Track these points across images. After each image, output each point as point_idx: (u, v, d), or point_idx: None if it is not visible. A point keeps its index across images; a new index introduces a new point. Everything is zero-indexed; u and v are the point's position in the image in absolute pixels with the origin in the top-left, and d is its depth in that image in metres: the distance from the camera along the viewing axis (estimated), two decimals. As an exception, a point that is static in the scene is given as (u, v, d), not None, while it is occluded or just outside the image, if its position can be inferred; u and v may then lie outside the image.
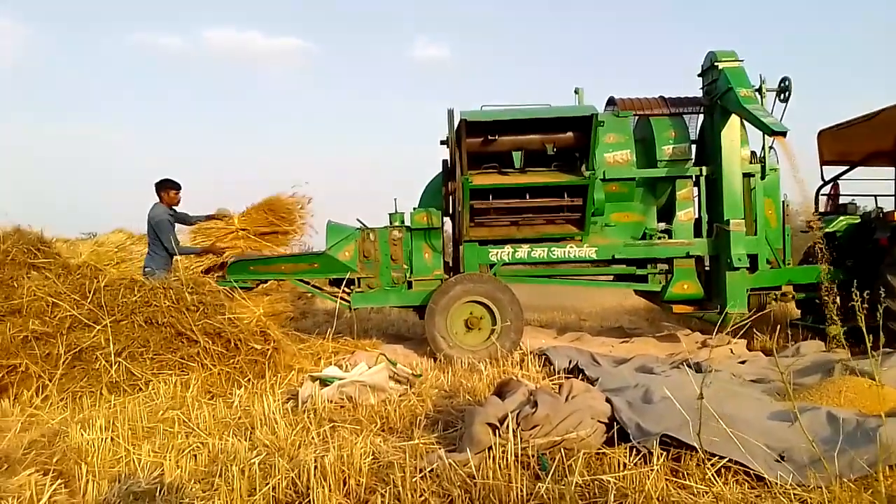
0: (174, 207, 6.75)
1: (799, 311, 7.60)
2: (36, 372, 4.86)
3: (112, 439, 3.80)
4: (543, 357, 5.97)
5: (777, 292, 6.87)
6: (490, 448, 3.16)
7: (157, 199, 6.65)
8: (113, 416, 4.23)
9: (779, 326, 6.56)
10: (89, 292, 5.21)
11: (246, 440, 3.78)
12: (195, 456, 3.60)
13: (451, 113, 6.55)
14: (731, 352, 6.16)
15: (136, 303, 5.21)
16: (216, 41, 45.13)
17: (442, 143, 6.92)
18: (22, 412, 4.46)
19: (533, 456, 3.14)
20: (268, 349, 5.40)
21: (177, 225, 6.70)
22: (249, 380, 5.16)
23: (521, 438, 3.19)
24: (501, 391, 3.90)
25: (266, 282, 6.95)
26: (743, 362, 5.75)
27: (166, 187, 6.67)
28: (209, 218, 6.96)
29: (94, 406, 4.62)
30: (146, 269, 6.35)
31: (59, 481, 3.21)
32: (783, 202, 6.98)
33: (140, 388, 4.90)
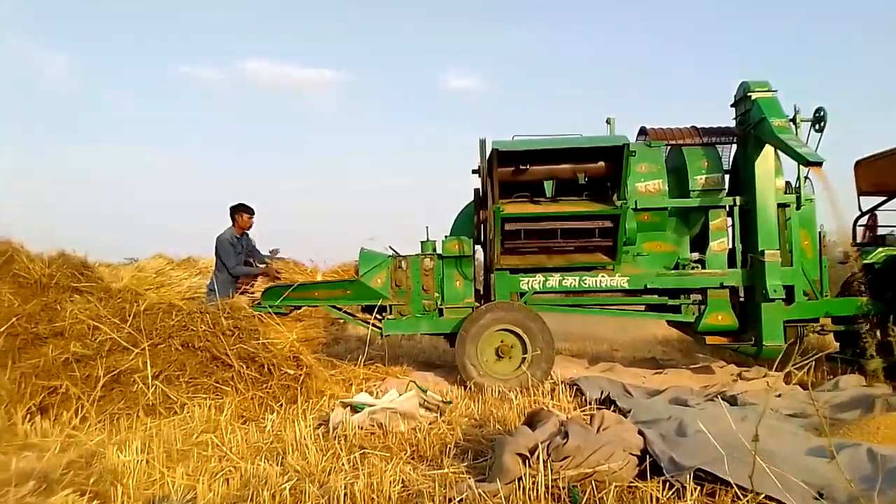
0: (246, 231, 7.17)
1: (837, 344, 7.43)
2: (76, 393, 4.98)
3: (147, 461, 3.86)
4: (575, 387, 5.92)
5: (814, 324, 6.74)
6: (520, 479, 3.15)
7: (231, 223, 7.04)
8: (148, 439, 4.31)
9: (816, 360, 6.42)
10: (129, 316, 5.35)
11: (277, 465, 3.82)
12: (227, 480, 3.64)
13: (482, 142, 6.63)
14: (768, 385, 6.04)
15: (174, 327, 5.34)
16: (255, 73, 46.35)
17: (474, 172, 6.99)
18: (61, 432, 4.56)
19: (563, 488, 3.12)
20: (300, 374, 5.46)
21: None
22: (282, 405, 5.22)
23: (551, 469, 3.17)
24: (532, 421, 3.88)
25: (299, 308, 7.04)
26: (780, 396, 5.63)
27: (239, 211, 7.09)
28: (271, 254, 7.31)
29: (131, 428, 4.71)
30: (209, 289, 6.75)
31: (96, 502, 3.28)
32: (819, 233, 6.88)
33: (175, 412, 4.99)
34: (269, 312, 6.21)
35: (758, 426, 2.82)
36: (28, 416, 4.82)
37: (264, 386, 5.31)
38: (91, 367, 5.10)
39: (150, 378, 5.05)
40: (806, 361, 4.25)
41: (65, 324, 5.26)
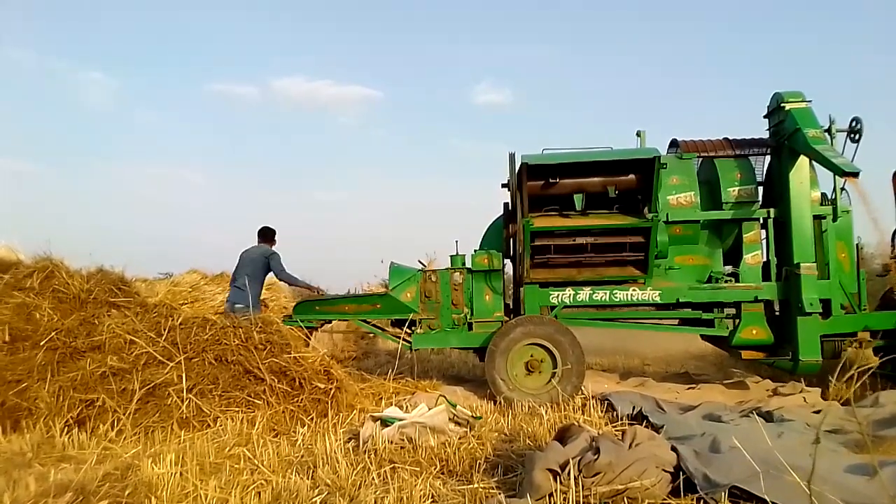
0: None
1: (876, 359, 7.24)
2: (112, 406, 5.07)
3: (181, 474, 3.90)
4: (606, 402, 5.85)
5: (852, 339, 6.59)
6: (551, 495, 3.12)
7: (267, 242, 7.34)
8: (182, 451, 4.35)
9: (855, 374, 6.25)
10: (164, 330, 5.44)
11: (308, 478, 3.83)
12: (259, 493, 3.66)
13: (512, 156, 6.65)
14: (805, 400, 5.91)
15: (208, 341, 5.41)
16: (287, 90, 46.96)
17: (503, 185, 7.00)
18: (98, 445, 4.63)
19: (595, 504, 3.09)
20: (331, 388, 5.49)
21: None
22: (312, 418, 5.25)
23: (582, 486, 3.14)
24: (562, 436, 3.84)
25: (330, 321, 7.10)
26: (817, 412, 5.50)
27: (273, 235, 7.41)
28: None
29: (165, 441, 4.77)
30: (239, 304, 6.84)
31: (131, 514, 3.33)
32: (857, 245, 6.74)
33: (208, 425, 5.04)
34: (301, 326, 6.28)
35: (813, 455, 2.76)
36: (66, 428, 4.92)
37: (295, 400, 5.34)
38: (127, 380, 5.19)
39: (184, 391, 5.11)
40: (856, 373, 4.14)
41: (102, 338, 5.38)
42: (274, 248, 7.36)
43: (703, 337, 7.40)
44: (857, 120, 6.53)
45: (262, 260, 7.16)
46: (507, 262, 7.07)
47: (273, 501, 3.51)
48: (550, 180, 6.35)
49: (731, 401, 6.17)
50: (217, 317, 5.83)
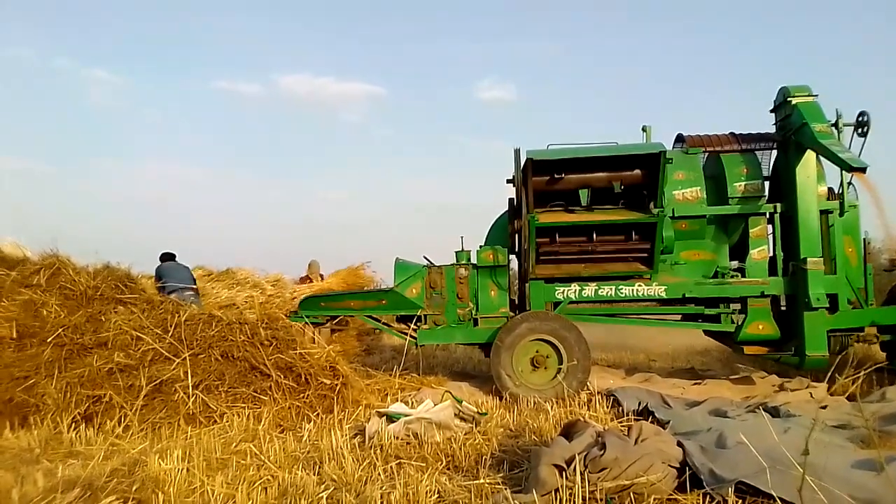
0: None
1: (884, 354, 7.21)
2: (119, 402, 5.10)
3: (188, 470, 3.91)
4: (611, 398, 5.85)
5: (859, 334, 6.56)
6: (557, 490, 3.12)
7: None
8: (189, 447, 4.37)
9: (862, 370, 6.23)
10: (171, 327, 5.46)
11: (314, 474, 3.85)
12: (265, 489, 3.67)
13: (517, 152, 6.64)
14: (811, 396, 5.89)
15: (214, 337, 5.43)
16: (292, 87, 46.86)
17: (508, 181, 6.99)
18: (105, 441, 4.66)
19: (601, 500, 3.09)
20: (337, 384, 5.50)
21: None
22: (318, 414, 5.27)
23: (588, 481, 3.13)
24: (568, 432, 3.84)
25: (336, 318, 7.11)
26: (824, 407, 5.48)
27: None
28: None
29: (172, 437, 4.79)
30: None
31: (138, 509, 3.35)
32: (864, 240, 6.71)
33: (215, 421, 5.06)
34: (306, 322, 6.29)
35: (808, 439, 2.75)
36: (73, 424, 4.95)
37: (301, 395, 5.36)
38: (134, 376, 5.22)
39: (190, 387, 5.14)
40: (858, 374, 4.12)
41: (109, 334, 5.41)
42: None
43: (707, 332, 7.38)
44: (864, 114, 6.49)
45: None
46: (513, 257, 7.06)
47: (279, 497, 3.52)
48: (555, 176, 6.34)
49: (737, 396, 6.15)
50: (223, 313, 5.83)
